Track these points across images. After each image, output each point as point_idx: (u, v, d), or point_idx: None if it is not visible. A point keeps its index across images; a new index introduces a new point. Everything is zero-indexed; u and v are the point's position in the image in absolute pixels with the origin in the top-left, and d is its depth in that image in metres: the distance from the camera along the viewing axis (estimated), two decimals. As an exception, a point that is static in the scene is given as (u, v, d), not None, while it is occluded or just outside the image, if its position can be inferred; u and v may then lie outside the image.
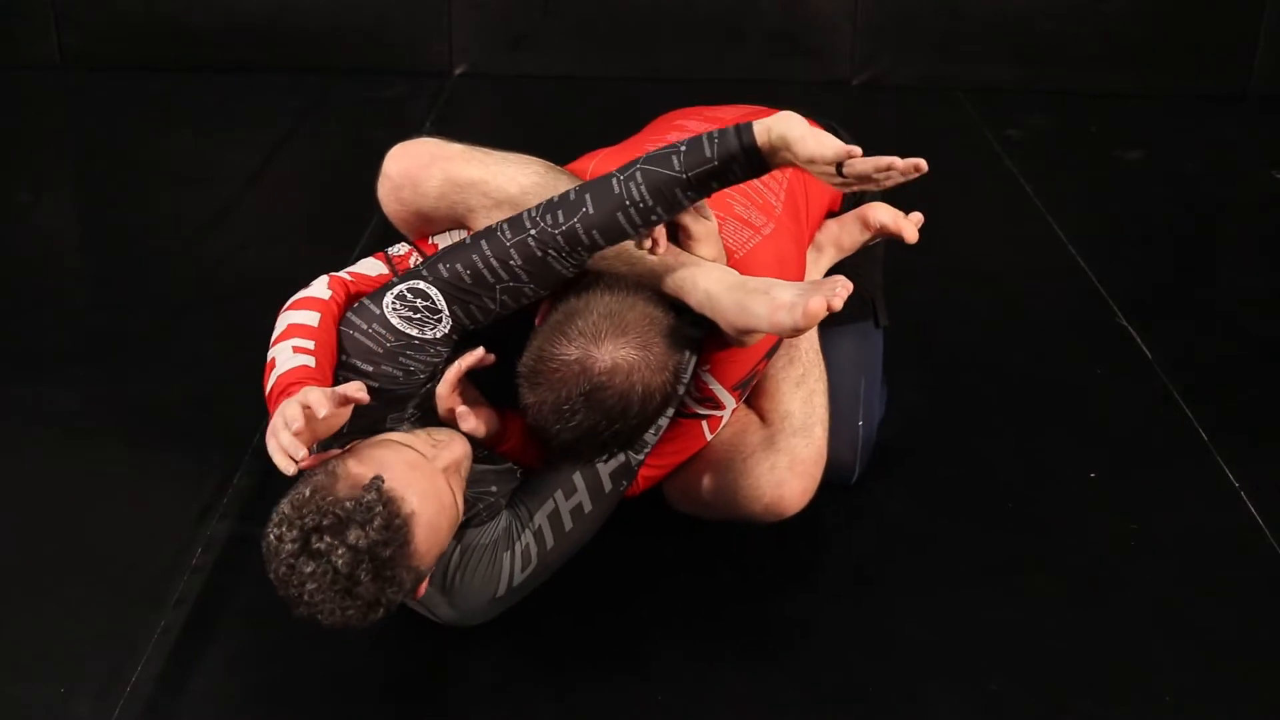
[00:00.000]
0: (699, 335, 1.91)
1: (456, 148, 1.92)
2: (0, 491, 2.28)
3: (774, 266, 1.94)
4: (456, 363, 1.83)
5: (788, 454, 2.04)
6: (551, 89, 4.45)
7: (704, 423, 1.99)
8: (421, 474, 1.68)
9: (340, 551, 1.56)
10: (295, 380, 1.73)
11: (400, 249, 2.01)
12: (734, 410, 2.01)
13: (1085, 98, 4.39)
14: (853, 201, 2.32)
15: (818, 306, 1.71)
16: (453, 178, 1.88)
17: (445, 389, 1.83)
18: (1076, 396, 2.62)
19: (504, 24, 4.53)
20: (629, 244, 1.81)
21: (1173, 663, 1.92)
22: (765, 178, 2.09)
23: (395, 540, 1.59)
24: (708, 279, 1.83)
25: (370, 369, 1.80)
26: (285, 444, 1.60)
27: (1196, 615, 2.02)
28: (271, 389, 1.74)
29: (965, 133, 4.13)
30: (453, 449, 1.75)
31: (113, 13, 4.47)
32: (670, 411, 1.94)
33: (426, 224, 1.97)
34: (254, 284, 2.94)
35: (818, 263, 2.26)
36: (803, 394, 2.11)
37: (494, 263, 1.78)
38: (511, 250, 1.78)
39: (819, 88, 4.46)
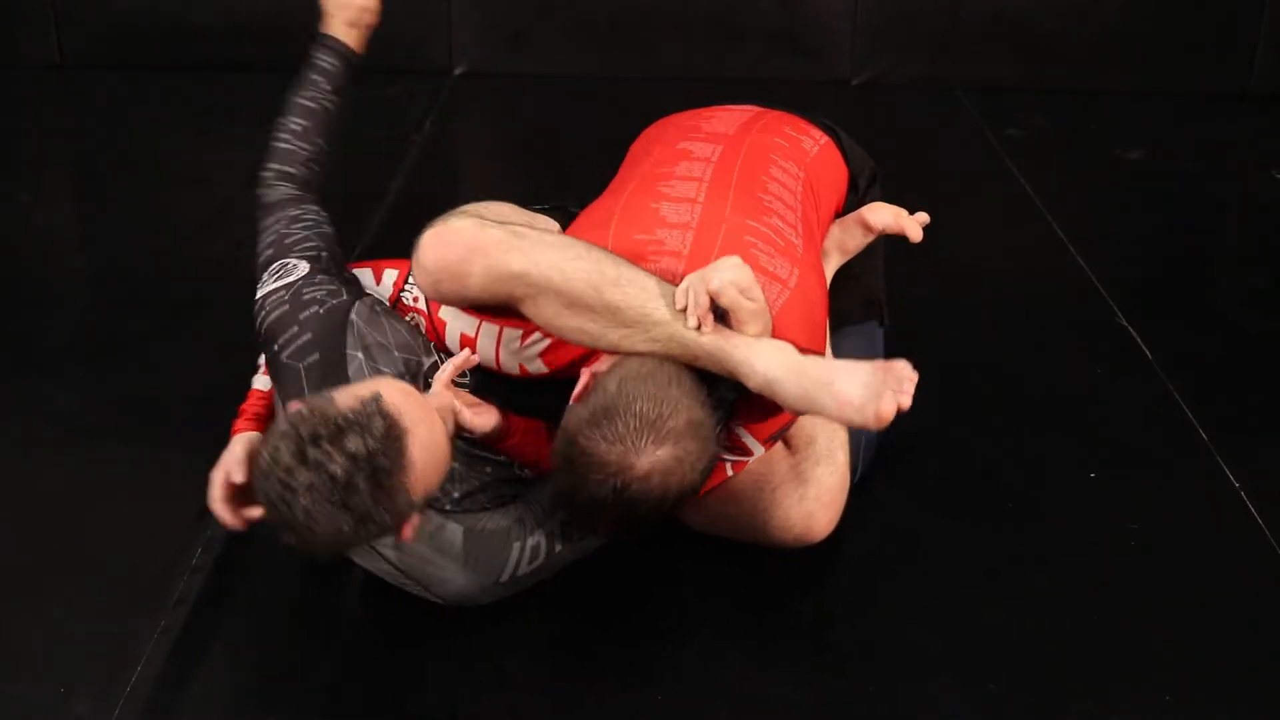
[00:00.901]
0: (734, 399, 1.89)
1: (493, 235, 1.79)
2: (0, 491, 2.28)
3: (802, 326, 1.89)
4: (446, 364, 1.88)
5: (815, 484, 2.05)
6: (551, 89, 4.45)
7: (729, 466, 1.98)
8: (416, 401, 1.71)
9: (338, 459, 1.57)
10: (246, 409, 2.03)
11: (410, 298, 2.07)
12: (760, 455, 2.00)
13: (1085, 97, 4.39)
14: (854, 204, 2.32)
15: (889, 412, 1.69)
16: (494, 272, 1.78)
17: (439, 387, 1.85)
18: (1076, 396, 2.62)
19: (504, 23, 4.53)
20: (679, 326, 1.77)
21: (1173, 663, 1.92)
22: (781, 208, 2.06)
23: (393, 451, 1.60)
24: (765, 362, 1.77)
25: (296, 329, 1.92)
26: (220, 514, 1.89)
27: (1196, 615, 2.02)
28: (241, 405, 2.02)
29: (965, 132, 4.13)
30: (441, 396, 1.79)
31: (113, 13, 4.47)
32: None
33: (469, 305, 1.90)
34: (254, 284, 2.93)
35: (825, 267, 2.25)
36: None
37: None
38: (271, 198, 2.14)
39: (819, 88, 4.47)
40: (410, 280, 2.08)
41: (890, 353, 2.39)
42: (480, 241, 1.79)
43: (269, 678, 1.89)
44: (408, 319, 2.05)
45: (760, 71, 4.47)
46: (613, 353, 1.83)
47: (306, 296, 1.95)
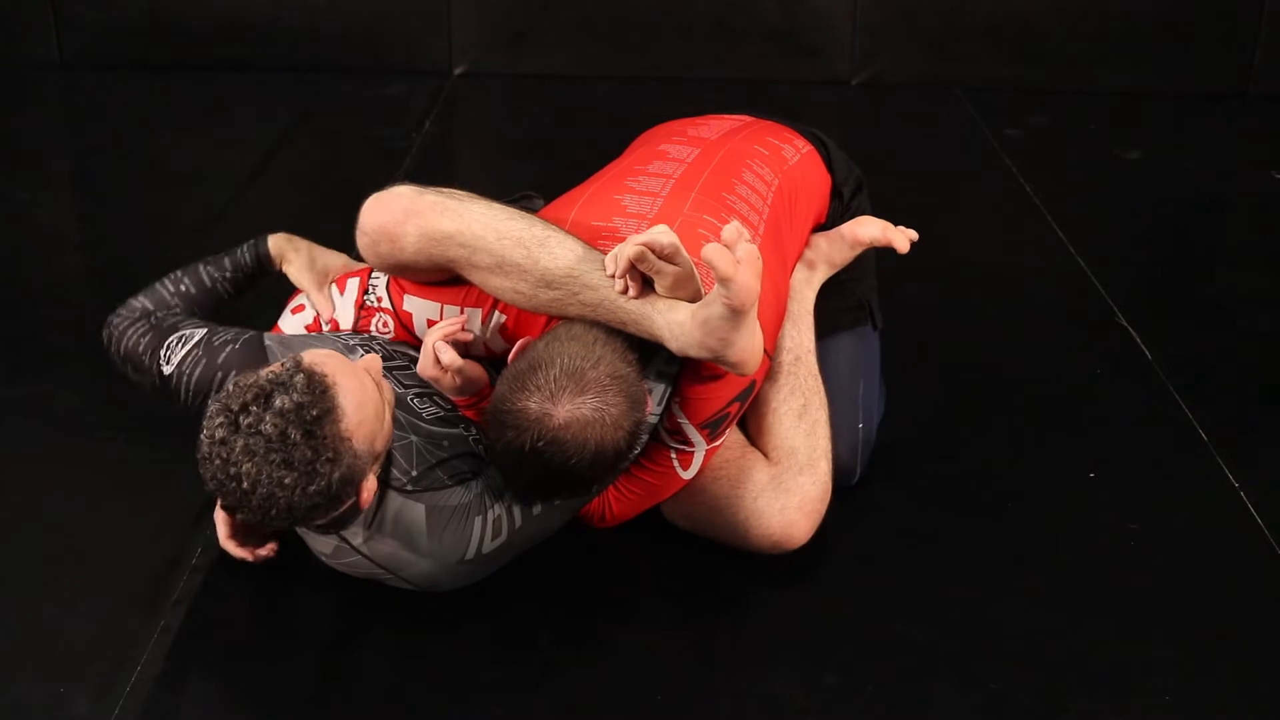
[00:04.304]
0: (675, 370, 1.91)
1: (429, 199, 1.88)
2: (0, 491, 2.28)
3: None
4: (441, 323, 1.96)
5: (797, 494, 2.06)
6: (551, 88, 4.45)
7: (674, 456, 1.98)
8: (337, 358, 1.74)
9: (267, 419, 1.60)
10: None
11: (374, 299, 2.10)
12: (708, 451, 1.99)
13: (1085, 97, 4.39)
14: (838, 212, 2.32)
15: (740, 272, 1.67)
16: (428, 233, 1.86)
17: (429, 340, 1.92)
18: (1076, 396, 2.62)
19: (504, 23, 4.53)
20: (608, 291, 1.80)
21: (1173, 663, 1.93)
22: (745, 209, 2.09)
23: (320, 402, 1.63)
24: (680, 328, 1.79)
25: (220, 374, 1.97)
26: (232, 551, 2.01)
27: (1196, 615, 2.02)
28: None
29: (965, 132, 4.13)
30: (369, 359, 1.80)
31: (113, 13, 4.47)
32: (633, 454, 1.94)
33: (406, 271, 1.99)
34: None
35: (810, 280, 2.26)
36: (806, 426, 2.11)
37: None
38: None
39: (819, 87, 4.47)
40: (372, 283, 2.11)
41: (888, 353, 2.40)
42: (416, 205, 1.88)
43: (268, 677, 1.89)
44: (374, 320, 2.11)
45: (760, 71, 4.47)
46: (548, 314, 1.89)
47: (218, 342, 2.00)
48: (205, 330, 2.04)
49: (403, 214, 1.87)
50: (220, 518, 2.03)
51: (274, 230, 2.27)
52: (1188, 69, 4.46)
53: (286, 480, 1.61)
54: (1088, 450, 2.42)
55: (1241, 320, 2.97)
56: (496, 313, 1.98)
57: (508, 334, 2.00)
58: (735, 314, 1.70)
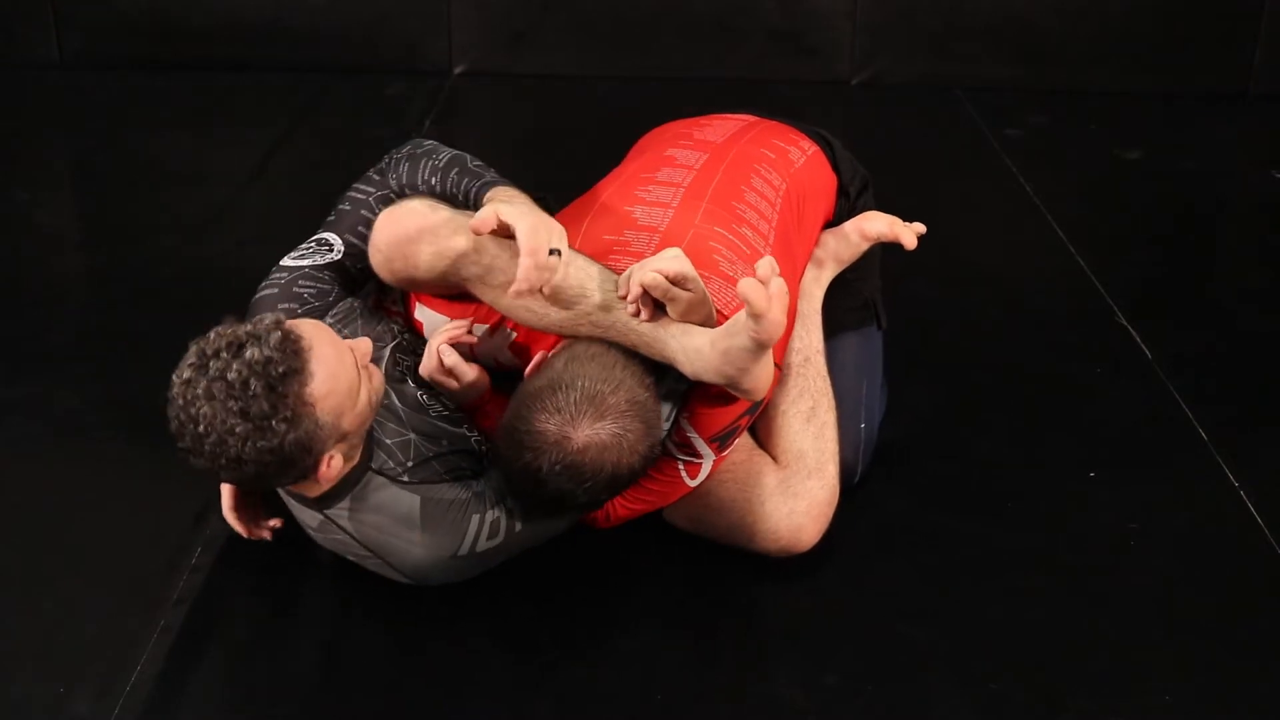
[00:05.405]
0: (684, 389, 1.91)
1: (443, 216, 1.87)
2: (0, 491, 2.28)
3: None
4: (446, 326, 1.97)
5: (805, 498, 2.06)
6: (551, 88, 4.45)
7: (681, 467, 1.98)
8: (324, 330, 1.74)
9: (234, 366, 1.62)
10: None
11: (391, 302, 2.11)
12: (715, 462, 1.99)
13: (1085, 97, 4.39)
14: (845, 211, 2.32)
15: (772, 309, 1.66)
16: (441, 251, 1.85)
17: (433, 343, 1.93)
18: (1076, 396, 2.62)
19: (504, 23, 4.53)
20: (620, 312, 1.81)
21: (1173, 663, 1.93)
22: (755, 218, 2.08)
23: (289, 360, 1.63)
24: (698, 354, 1.79)
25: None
26: (233, 524, 2.01)
27: (1196, 615, 2.02)
28: None
29: (965, 132, 4.13)
30: (360, 341, 1.80)
31: (113, 13, 4.47)
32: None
33: (419, 287, 1.99)
34: (253, 283, 2.90)
35: (819, 278, 2.26)
36: (814, 429, 2.10)
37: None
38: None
39: (819, 87, 4.47)
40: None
41: (888, 352, 2.40)
42: (429, 221, 1.86)
43: (268, 677, 1.89)
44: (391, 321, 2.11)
45: (760, 71, 4.46)
46: (560, 335, 1.88)
47: (295, 290, 2.00)
48: (319, 262, 2.03)
49: (417, 230, 1.86)
50: (226, 488, 2.02)
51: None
52: (1188, 69, 4.46)
53: (238, 429, 1.62)
54: (1088, 450, 2.42)
55: (1241, 320, 2.97)
56: (506, 328, 1.98)
57: (518, 348, 1.99)
58: (760, 348, 1.70)
